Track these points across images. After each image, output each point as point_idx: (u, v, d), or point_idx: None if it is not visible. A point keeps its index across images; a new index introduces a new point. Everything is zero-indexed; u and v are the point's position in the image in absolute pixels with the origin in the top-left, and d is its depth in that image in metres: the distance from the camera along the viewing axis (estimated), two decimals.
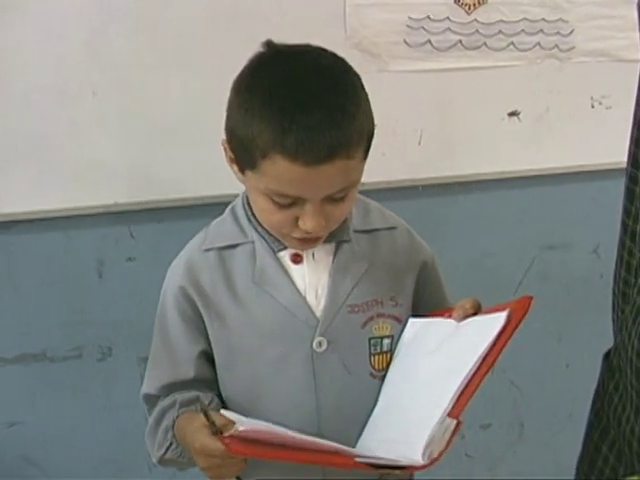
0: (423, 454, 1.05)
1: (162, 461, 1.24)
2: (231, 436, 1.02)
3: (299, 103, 1.05)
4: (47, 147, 1.79)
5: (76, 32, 1.75)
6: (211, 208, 1.44)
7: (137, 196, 1.86)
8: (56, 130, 1.78)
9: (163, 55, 1.80)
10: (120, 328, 1.96)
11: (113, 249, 1.92)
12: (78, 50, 1.75)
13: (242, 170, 1.15)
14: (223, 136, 1.17)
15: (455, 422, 1.08)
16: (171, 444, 1.21)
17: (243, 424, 1.01)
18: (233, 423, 1.04)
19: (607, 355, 1.29)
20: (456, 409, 1.07)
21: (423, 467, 1.06)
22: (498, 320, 1.11)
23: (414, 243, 1.32)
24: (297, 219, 1.12)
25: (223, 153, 1.19)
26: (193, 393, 1.23)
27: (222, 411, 1.13)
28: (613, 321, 1.28)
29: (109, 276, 1.93)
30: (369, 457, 1.07)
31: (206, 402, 1.21)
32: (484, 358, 1.09)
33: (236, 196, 1.34)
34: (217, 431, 1.06)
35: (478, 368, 1.09)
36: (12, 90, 1.75)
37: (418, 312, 1.31)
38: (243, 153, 1.11)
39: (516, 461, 2.36)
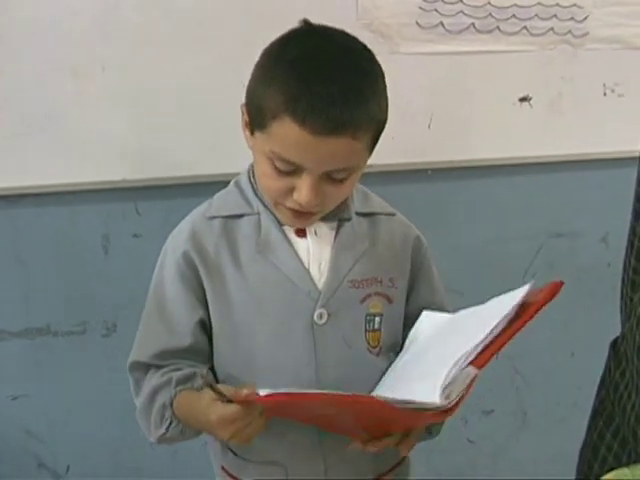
0: (441, 394, 1.02)
1: (162, 439, 1.24)
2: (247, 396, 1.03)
3: (318, 75, 1.08)
4: (55, 122, 1.79)
5: (87, 6, 1.74)
6: (218, 186, 1.44)
7: (144, 172, 1.86)
8: (65, 105, 1.78)
9: (174, 31, 1.79)
10: (125, 304, 1.95)
11: (119, 225, 1.92)
12: (88, 25, 1.75)
13: (252, 131, 1.17)
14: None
15: (475, 372, 1.05)
16: (171, 422, 1.20)
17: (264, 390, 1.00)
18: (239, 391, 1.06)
19: (614, 343, 1.29)
20: (480, 359, 1.05)
21: (443, 413, 1.04)
22: (520, 290, 1.09)
23: (411, 231, 1.35)
24: (293, 190, 1.14)
25: (240, 117, 1.21)
26: (189, 370, 1.22)
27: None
28: (621, 309, 1.28)
29: (115, 252, 1.93)
30: (387, 398, 1.05)
31: (204, 376, 1.21)
32: (511, 321, 1.07)
33: None
34: (228, 400, 1.07)
35: (505, 329, 1.07)
36: (21, 64, 1.74)
37: (409, 298, 1.33)
38: (256, 113, 1.14)
39: (519, 448, 2.35)
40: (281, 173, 1.13)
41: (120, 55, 1.77)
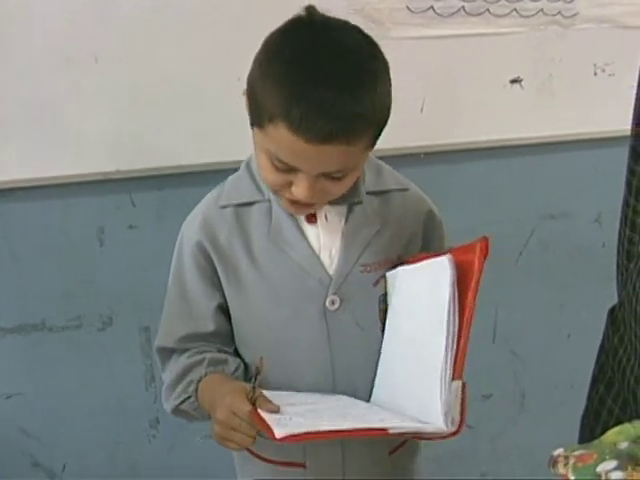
0: (445, 421, 1.08)
1: (175, 410, 1.28)
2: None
3: (313, 80, 1.06)
4: (48, 113, 1.77)
5: None
6: (213, 175, 1.44)
7: (138, 163, 1.84)
8: (57, 96, 1.76)
9: (168, 21, 1.77)
10: (121, 297, 1.95)
11: (114, 217, 1.90)
12: (81, 14, 1.73)
13: (251, 124, 1.16)
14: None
15: (460, 383, 1.10)
16: (189, 397, 1.24)
17: (280, 431, 1.01)
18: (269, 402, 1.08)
19: (612, 311, 1.31)
20: (457, 370, 1.09)
21: (454, 434, 1.10)
22: (442, 266, 1.12)
23: (423, 205, 1.35)
24: (291, 183, 1.14)
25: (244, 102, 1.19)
26: (222, 355, 1.26)
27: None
28: (617, 281, 1.29)
29: (110, 244, 1.92)
30: (399, 428, 1.08)
31: (234, 367, 1.25)
32: (460, 313, 1.10)
33: (238, 163, 1.34)
34: (252, 398, 1.09)
35: (460, 324, 1.09)
36: (14, 55, 1.73)
37: None
38: (253, 109, 1.14)
39: (517, 432, 2.36)
40: (279, 170, 1.13)
41: (113, 46, 1.76)
